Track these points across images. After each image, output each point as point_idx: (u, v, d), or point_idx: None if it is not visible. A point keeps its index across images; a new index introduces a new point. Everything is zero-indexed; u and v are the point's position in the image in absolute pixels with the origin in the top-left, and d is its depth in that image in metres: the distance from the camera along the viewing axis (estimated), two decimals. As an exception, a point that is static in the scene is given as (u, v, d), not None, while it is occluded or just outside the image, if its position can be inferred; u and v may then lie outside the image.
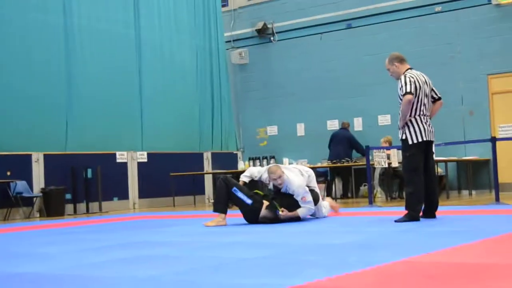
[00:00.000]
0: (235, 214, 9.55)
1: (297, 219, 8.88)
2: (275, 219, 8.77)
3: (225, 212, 9.13)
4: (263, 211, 8.86)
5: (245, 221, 9.02)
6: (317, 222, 8.76)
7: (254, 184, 9.86)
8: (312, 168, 15.51)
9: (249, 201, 8.86)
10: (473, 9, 16.86)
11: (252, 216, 8.93)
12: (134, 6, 17.85)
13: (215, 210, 9.23)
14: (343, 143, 17.02)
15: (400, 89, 8.19)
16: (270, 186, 9.16)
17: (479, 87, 16.70)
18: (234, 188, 8.93)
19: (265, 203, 8.86)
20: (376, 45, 17.90)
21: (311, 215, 9.19)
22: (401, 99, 8.17)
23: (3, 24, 15.03)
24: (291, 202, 8.78)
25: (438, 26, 17.32)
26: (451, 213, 9.39)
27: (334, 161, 16.39)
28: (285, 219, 8.78)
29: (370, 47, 18.10)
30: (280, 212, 8.74)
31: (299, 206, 8.78)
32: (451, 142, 14.93)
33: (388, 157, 13.49)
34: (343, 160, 16.35)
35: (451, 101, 16.21)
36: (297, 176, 8.95)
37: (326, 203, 9.78)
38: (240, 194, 8.87)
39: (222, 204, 9.12)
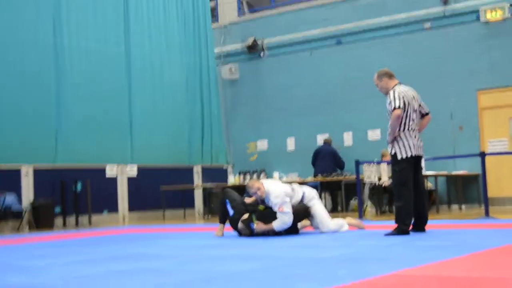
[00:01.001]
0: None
1: (274, 233, 8.79)
2: (251, 233, 8.83)
3: (222, 223, 9.40)
4: (239, 224, 8.94)
5: (238, 237, 9.10)
6: (308, 235, 8.76)
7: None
8: (302, 182, 15.62)
9: (231, 212, 9.08)
10: (462, 26, 16.98)
11: (234, 226, 9.14)
12: (124, 22, 17.88)
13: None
14: (328, 158, 17.18)
15: (389, 104, 8.25)
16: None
17: (469, 103, 16.79)
18: (226, 199, 9.21)
19: (245, 215, 8.90)
20: (365, 61, 17.97)
21: (315, 228, 9.16)
22: (390, 114, 8.23)
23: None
24: (272, 214, 8.75)
25: (427, 43, 17.42)
26: (440, 227, 9.43)
27: (325, 174, 16.47)
28: (260, 233, 8.77)
29: (360, 63, 18.18)
30: (255, 226, 8.75)
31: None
32: (440, 156, 15.04)
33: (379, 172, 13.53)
34: (334, 174, 16.40)
35: (441, 116, 16.31)
36: (278, 186, 8.90)
37: (339, 220, 9.33)
38: (228, 206, 9.13)
39: (220, 215, 9.51)
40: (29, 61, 15.65)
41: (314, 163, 17.45)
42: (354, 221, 9.71)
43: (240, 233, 9.06)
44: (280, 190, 8.77)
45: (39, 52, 15.86)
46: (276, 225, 8.71)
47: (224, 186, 17.08)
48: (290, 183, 9.99)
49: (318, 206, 9.13)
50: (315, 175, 17.01)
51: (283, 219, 8.67)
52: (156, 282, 4.81)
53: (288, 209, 8.68)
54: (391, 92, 8.29)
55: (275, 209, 8.69)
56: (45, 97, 15.84)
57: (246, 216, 8.92)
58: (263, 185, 8.85)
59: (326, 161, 17.14)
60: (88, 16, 17.01)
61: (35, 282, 5.09)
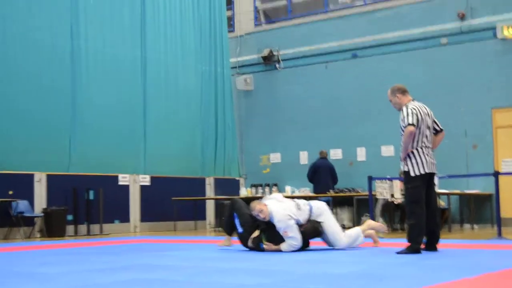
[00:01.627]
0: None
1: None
2: (260, 251, 8.76)
3: (229, 234, 9.33)
4: (249, 242, 8.89)
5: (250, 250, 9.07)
6: (319, 251, 8.71)
7: None
8: (314, 198, 15.56)
9: (240, 230, 8.99)
10: (479, 43, 16.93)
11: (244, 243, 9.03)
12: (141, 30, 17.94)
13: (223, 230, 9.59)
14: (328, 174, 17.03)
15: (402, 120, 8.23)
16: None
17: (483, 121, 16.72)
18: (235, 213, 9.06)
19: (255, 233, 8.83)
20: (381, 75, 17.94)
21: (328, 244, 8.97)
22: (403, 131, 8.20)
23: (10, 44, 15.12)
24: (279, 235, 8.64)
25: (443, 58, 17.38)
26: (452, 246, 9.36)
27: (336, 190, 16.41)
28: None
29: (375, 77, 18.15)
30: (264, 246, 8.71)
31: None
32: (454, 175, 14.92)
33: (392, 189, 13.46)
34: (345, 190, 16.35)
35: (455, 134, 16.24)
36: (281, 208, 8.70)
37: (352, 231, 9.05)
38: (236, 221, 9.02)
39: (227, 226, 9.41)
40: (46, 66, 15.72)
41: (312, 178, 17.24)
42: (375, 223, 9.52)
43: (250, 249, 9.02)
44: (282, 214, 8.58)
45: (56, 57, 15.93)
46: (284, 248, 8.60)
47: (227, 199, 17.05)
48: (297, 198, 9.73)
49: (328, 221, 8.84)
50: (316, 192, 16.82)
51: (290, 243, 8.56)
52: (165, 294, 4.79)
53: (293, 233, 8.54)
54: (404, 108, 8.27)
55: (280, 232, 8.58)
56: (60, 103, 15.89)
57: (256, 233, 8.83)
58: (266, 207, 8.70)
59: (327, 176, 17.01)
60: (104, 23, 17.06)
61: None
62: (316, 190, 16.83)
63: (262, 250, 8.76)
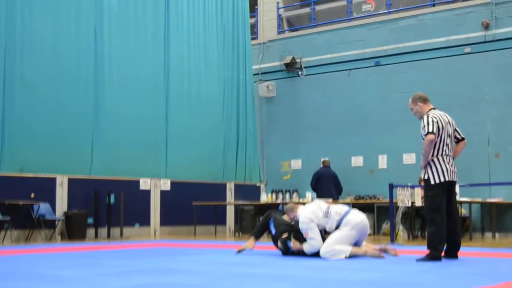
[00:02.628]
0: (267, 246, 9.70)
1: (302, 253, 8.82)
2: (287, 251, 8.99)
3: (257, 237, 9.53)
4: (279, 242, 9.14)
5: (272, 253, 9.20)
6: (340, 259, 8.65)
7: None
8: (334, 203, 15.50)
9: (273, 231, 9.22)
10: (502, 52, 16.86)
11: (275, 244, 9.30)
12: (165, 35, 18.01)
13: (251, 234, 9.69)
14: (331, 182, 16.91)
15: (423, 128, 8.22)
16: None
17: (506, 129, 16.63)
18: (271, 218, 9.32)
19: (285, 234, 9.01)
20: (403, 83, 17.91)
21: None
22: (423, 139, 8.19)
23: (35, 46, 15.22)
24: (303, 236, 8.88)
25: (466, 67, 17.31)
26: (473, 254, 9.31)
27: (357, 197, 16.34)
28: (296, 252, 8.87)
29: (398, 85, 18.11)
30: (291, 244, 8.88)
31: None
32: (475, 183, 14.87)
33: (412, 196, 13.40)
34: (366, 196, 16.31)
35: (477, 142, 16.16)
36: (308, 211, 8.85)
37: (339, 247, 8.55)
38: (272, 226, 9.26)
39: (257, 229, 9.65)
40: (69, 69, 15.79)
41: (315, 186, 17.14)
42: (372, 251, 8.65)
43: (282, 252, 9.16)
44: (305, 216, 8.76)
45: (80, 61, 16.01)
46: (306, 248, 8.77)
47: (263, 206, 17.11)
48: (334, 205, 9.51)
49: (340, 231, 8.65)
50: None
51: (311, 244, 8.70)
52: (183, 297, 4.80)
53: (313, 234, 8.66)
54: (425, 117, 8.26)
55: (303, 233, 8.77)
56: (83, 108, 15.97)
57: (286, 235, 9.04)
58: (298, 207, 9.05)
59: (330, 184, 16.92)
60: (128, 30, 17.15)
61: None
62: (321, 197, 16.81)
63: (289, 249, 8.93)
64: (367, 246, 8.84)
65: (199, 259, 8.69)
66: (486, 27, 17.05)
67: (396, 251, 8.83)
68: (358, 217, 8.81)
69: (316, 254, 8.67)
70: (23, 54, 15.03)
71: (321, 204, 9.06)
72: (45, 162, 15.05)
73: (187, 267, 7.33)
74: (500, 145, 16.70)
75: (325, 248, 8.55)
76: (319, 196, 16.76)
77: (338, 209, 8.93)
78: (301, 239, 8.82)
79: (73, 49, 15.91)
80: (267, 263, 7.94)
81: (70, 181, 15.44)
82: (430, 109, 8.41)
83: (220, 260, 8.54)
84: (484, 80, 17.06)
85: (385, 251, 8.81)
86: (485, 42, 17.14)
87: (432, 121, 8.15)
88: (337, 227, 8.71)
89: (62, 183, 15.31)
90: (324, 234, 8.74)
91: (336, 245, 8.54)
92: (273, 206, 17.59)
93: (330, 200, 15.93)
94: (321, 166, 17.51)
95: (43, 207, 14.62)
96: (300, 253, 8.84)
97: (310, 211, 8.84)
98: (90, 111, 16.14)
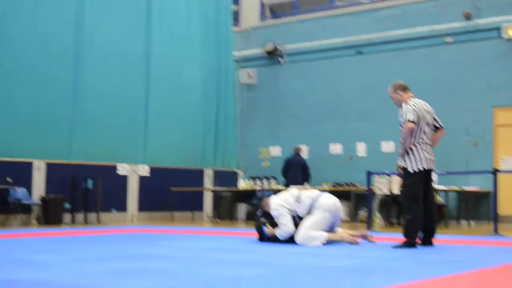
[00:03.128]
0: (244, 232, 9.61)
1: (278, 239, 8.81)
2: (262, 236, 9.04)
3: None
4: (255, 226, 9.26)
5: (249, 240, 9.17)
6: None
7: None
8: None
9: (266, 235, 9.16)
10: (483, 42, 16.94)
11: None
12: (146, 20, 17.92)
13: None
14: (299, 169, 16.97)
15: (402, 116, 8.23)
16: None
17: (485, 119, 16.73)
18: (263, 225, 9.14)
19: (262, 219, 9.12)
20: (384, 72, 17.95)
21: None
22: (402, 127, 8.21)
23: (13, 32, 15.08)
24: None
25: (448, 57, 17.38)
26: (449, 242, 9.37)
27: (334, 184, 16.39)
28: (272, 238, 8.89)
29: (379, 74, 18.15)
30: (266, 229, 8.93)
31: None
32: (452, 171, 14.96)
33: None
34: (344, 184, 16.37)
35: (455, 131, 16.25)
36: (278, 199, 8.92)
37: (314, 233, 8.58)
38: (265, 231, 9.11)
39: (260, 237, 9.26)
40: (48, 55, 15.68)
41: (285, 173, 17.17)
42: (348, 238, 8.68)
43: (258, 237, 9.17)
44: (276, 203, 8.84)
45: (59, 46, 15.92)
46: (278, 232, 8.79)
47: (241, 192, 17.13)
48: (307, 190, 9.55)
49: (314, 215, 8.66)
50: (287, 186, 16.87)
51: (282, 229, 8.73)
52: (159, 283, 4.79)
53: (284, 220, 8.70)
54: (404, 105, 8.29)
55: (276, 220, 8.84)
56: (62, 92, 15.88)
57: (263, 220, 9.10)
58: (269, 199, 9.08)
59: (297, 172, 17.00)
60: (110, 12, 17.04)
61: (37, 277, 5.08)
62: (287, 185, 16.89)
63: (264, 235, 8.98)
64: (344, 232, 8.88)
65: (176, 245, 8.69)
66: (468, 17, 17.11)
67: (373, 237, 8.89)
68: (331, 200, 8.83)
69: (291, 240, 8.68)
70: (1, 36, 14.89)
71: (292, 191, 9.12)
72: (23, 147, 14.95)
73: (164, 253, 7.32)
74: (478, 135, 16.80)
75: (301, 234, 8.55)
76: (287, 183, 16.89)
77: (309, 193, 8.97)
78: (275, 225, 8.88)
79: (53, 32, 15.78)
80: (245, 249, 7.95)
81: (48, 165, 15.36)
82: (410, 98, 8.44)
83: (197, 246, 8.54)
84: (465, 70, 17.14)
85: (364, 237, 8.87)
86: (466, 32, 17.21)
87: (412, 110, 8.17)
88: (310, 212, 8.73)
89: (40, 167, 15.22)
90: (298, 219, 8.75)
91: (311, 230, 8.55)
92: (251, 193, 17.64)
93: (308, 186, 16.02)
94: (293, 153, 17.57)
95: (19, 192, 14.53)
96: (276, 240, 8.84)
97: (281, 198, 8.92)
98: (69, 96, 16.04)
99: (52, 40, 15.78)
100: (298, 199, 8.82)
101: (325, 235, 8.52)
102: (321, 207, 8.69)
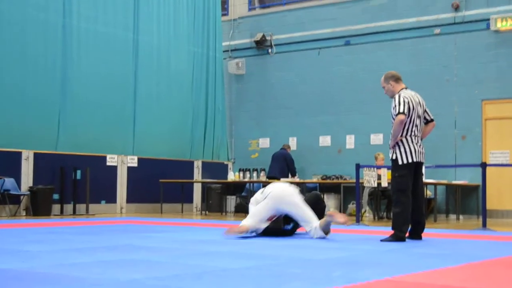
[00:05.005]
0: (229, 225, 9.58)
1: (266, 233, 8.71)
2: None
3: None
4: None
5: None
6: (306, 237, 8.68)
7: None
8: (301, 183, 15.58)
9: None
10: (471, 34, 16.94)
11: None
12: (134, 9, 17.86)
13: None
14: (279, 161, 17.25)
15: (394, 108, 8.21)
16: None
17: (473, 112, 16.75)
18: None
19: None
20: (373, 63, 17.96)
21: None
22: (393, 119, 8.19)
23: (2, 19, 15.01)
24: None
25: (436, 49, 17.38)
26: (437, 236, 9.39)
27: (323, 177, 16.41)
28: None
29: (367, 65, 18.16)
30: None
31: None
32: (441, 165, 14.99)
33: (379, 177, 13.45)
34: (333, 176, 16.40)
35: (444, 124, 16.26)
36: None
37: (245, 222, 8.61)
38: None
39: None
40: (36, 42, 15.63)
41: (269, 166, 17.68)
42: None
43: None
44: (251, 201, 8.91)
45: (47, 34, 15.85)
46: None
47: (230, 184, 17.16)
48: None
49: (258, 205, 8.66)
50: (267, 177, 17.19)
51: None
52: (147, 274, 4.78)
53: (249, 215, 8.68)
54: (397, 97, 8.25)
55: None
56: (50, 82, 15.83)
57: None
58: None
59: (277, 164, 17.31)
60: (97, 2, 16.97)
61: (23, 268, 5.06)
62: (268, 178, 17.14)
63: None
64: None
65: (164, 237, 8.67)
66: (456, 8, 17.12)
67: (345, 218, 8.49)
68: (273, 186, 8.77)
69: (274, 233, 8.63)
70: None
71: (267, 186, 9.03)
72: (11, 137, 14.88)
73: (153, 244, 7.30)
74: (466, 128, 16.83)
75: (248, 221, 8.55)
76: (267, 176, 17.21)
77: (272, 184, 8.93)
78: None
79: (40, 24, 15.71)
80: (233, 241, 7.94)
81: (36, 156, 15.29)
82: (402, 89, 8.40)
83: (186, 238, 8.53)
84: (453, 61, 17.15)
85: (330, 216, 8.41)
86: (454, 23, 17.21)
87: (404, 101, 8.14)
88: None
89: (28, 158, 15.15)
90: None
91: (246, 219, 8.56)
92: (240, 185, 17.63)
93: (296, 179, 16.08)
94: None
95: (8, 182, 14.47)
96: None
97: (254, 197, 8.92)
98: (57, 86, 15.98)
99: (39, 30, 15.70)
100: (263, 192, 8.83)
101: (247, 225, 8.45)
102: (265, 194, 8.69)
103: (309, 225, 8.44)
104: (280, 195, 8.59)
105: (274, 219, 8.64)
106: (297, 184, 15.58)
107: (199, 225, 12.13)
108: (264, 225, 8.52)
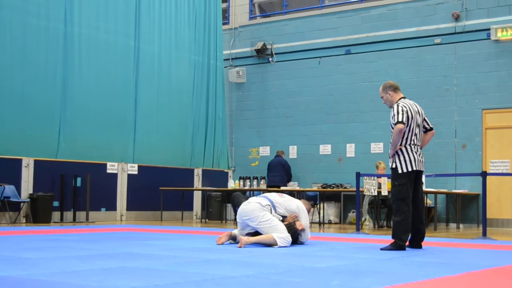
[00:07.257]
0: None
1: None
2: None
3: None
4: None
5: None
6: (305, 246, 8.69)
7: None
8: (301, 191, 15.59)
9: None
10: (472, 43, 16.95)
11: None
12: (135, 18, 17.89)
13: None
14: (279, 170, 17.34)
15: (392, 117, 8.24)
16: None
17: (473, 121, 16.75)
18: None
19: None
20: (373, 72, 17.98)
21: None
22: (393, 128, 8.21)
23: (3, 27, 15.03)
24: None
25: (436, 58, 17.40)
26: (437, 244, 9.39)
27: (324, 185, 16.41)
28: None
29: (368, 74, 18.18)
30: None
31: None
32: (442, 174, 14.98)
33: (379, 185, 13.45)
34: (333, 185, 16.40)
35: (444, 133, 16.28)
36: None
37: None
38: None
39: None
40: (37, 49, 15.66)
41: (267, 175, 17.84)
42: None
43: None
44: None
45: (48, 43, 15.87)
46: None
47: (230, 192, 17.13)
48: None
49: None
50: (267, 187, 17.19)
51: None
52: (147, 282, 4.78)
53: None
54: (395, 106, 8.28)
55: None
56: (51, 90, 15.84)
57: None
58: None
59: (276, 172, 17.43)
60: (99, 10, 17.00)
61: (23, 275, 5.06)
62: (268, 186, 17.13)
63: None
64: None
65: (164, 245, 8.66)
66: (457, 18, 17.14)
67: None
68: (252, 204, 8.60)
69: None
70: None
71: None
72: (11, 144, 14.89)
73: (152, 252, 7.30)
74: (467, 137, 16.82)
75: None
76: (267, 184, 17.24)
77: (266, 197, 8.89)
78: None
79: (42, 31, 15.74)
80: (233, 249, 7.94)
81: (36, 163, 15.30)
82: (400, 98, 8.43)
83: (185, 246, 8.52)
84: (453, 71, 17.16)
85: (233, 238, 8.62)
86: (455, 33, 17.24)
87: (402, 111, 8.17)
88: None
89: (28, 165, 15.16)
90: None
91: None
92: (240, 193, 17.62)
93: (296, 187, 16.12)
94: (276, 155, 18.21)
95: (8, 189, 14.47)
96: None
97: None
98: (58, 94, 16.00)
99: (40, 38, 15.72)
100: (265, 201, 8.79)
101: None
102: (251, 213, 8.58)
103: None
104: (241, 211, 8.58)
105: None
106: (297, 192, 15.60)
107: (199, 233, 12.12)
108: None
